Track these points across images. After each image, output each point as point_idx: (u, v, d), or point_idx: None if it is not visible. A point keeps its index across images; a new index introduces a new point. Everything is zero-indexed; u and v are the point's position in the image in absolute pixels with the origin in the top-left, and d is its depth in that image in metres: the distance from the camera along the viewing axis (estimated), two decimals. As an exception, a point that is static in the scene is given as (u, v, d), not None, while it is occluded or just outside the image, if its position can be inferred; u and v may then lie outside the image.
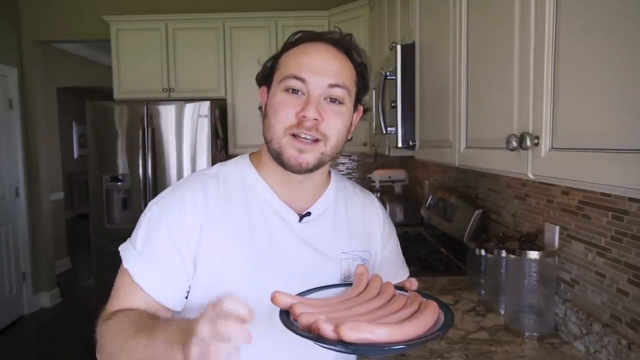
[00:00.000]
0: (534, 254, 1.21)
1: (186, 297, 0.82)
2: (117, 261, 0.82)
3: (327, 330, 0.58)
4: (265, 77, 0.87)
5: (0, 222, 3.61)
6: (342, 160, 3.89)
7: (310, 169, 0.81)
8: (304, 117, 0.78)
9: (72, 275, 4.97)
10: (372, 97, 2.05)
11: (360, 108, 0.91)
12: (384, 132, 1.80)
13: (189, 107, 3.22)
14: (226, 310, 0.54)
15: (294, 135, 0.79)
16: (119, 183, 3.27)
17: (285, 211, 0.86)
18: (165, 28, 3.46)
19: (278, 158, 0.81)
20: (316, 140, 0.79)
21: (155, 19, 3.47)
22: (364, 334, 0.58)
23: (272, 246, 0.83)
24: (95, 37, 3.75)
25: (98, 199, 3.28)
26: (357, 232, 0.93)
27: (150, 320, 0.72)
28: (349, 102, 0.84)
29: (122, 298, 0.79)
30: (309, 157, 0.79)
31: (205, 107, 3.22)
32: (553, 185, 1.29)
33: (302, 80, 0.79)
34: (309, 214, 0.87)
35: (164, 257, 0.79)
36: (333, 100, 0.81)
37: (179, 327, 0.62)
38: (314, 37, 0.84)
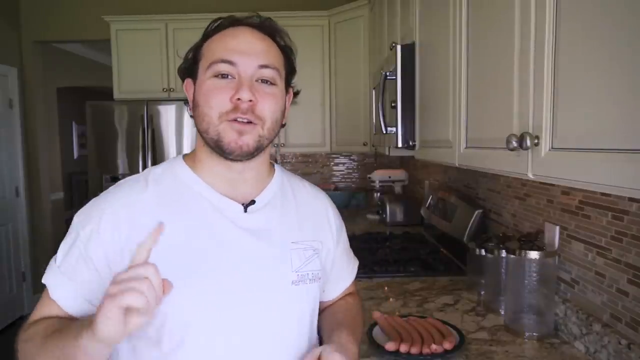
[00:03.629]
0: (534, 254, 1.21)
1: None
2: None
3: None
4: (189, 69, 0.84)
5: (0, 222, 3.61)
6: (342, 160, 3.89)
7: (252, 152, 0.79)
8: (239, 99, 0.75)
9: (72, 275, 4.96)
10: (372, 97, 2.05)
11: (291, 91, 0.89)
12: (384, 132, 1.80)
13: (189, 107, 3.22)
14: (134, 273, 0.60)
15: (229, 120, 0.76)
16: (119, 183, 3.27)
17: (225, 204, 0.82)
18: (165, 28, 3.46)
19: (218, 146, 0.78)
20: (253, 124, 0.77)
21: (155, 19, 3.47)
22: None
23: (213, 242, 0.79)
24: (95, 37, 3.75)
25: (98, 199, 3.28)
26: (307, 222, 0.91)
27: (66, 321, 0.74)
28: (280, 84, 0.82)
29: (42, 309, 0.79)
30: (248, 138, 0.77)
31: (205, 107, 3.21)
32: (553, 185, 1.28)
33: (231, 63, 0.77)
34: (253, 202, 0.84)
35: (80, 272, 0.77)
36: (265, 81, 0.79)
37: (89, 318, 0.64)
38: (235, 22, 0.82)
